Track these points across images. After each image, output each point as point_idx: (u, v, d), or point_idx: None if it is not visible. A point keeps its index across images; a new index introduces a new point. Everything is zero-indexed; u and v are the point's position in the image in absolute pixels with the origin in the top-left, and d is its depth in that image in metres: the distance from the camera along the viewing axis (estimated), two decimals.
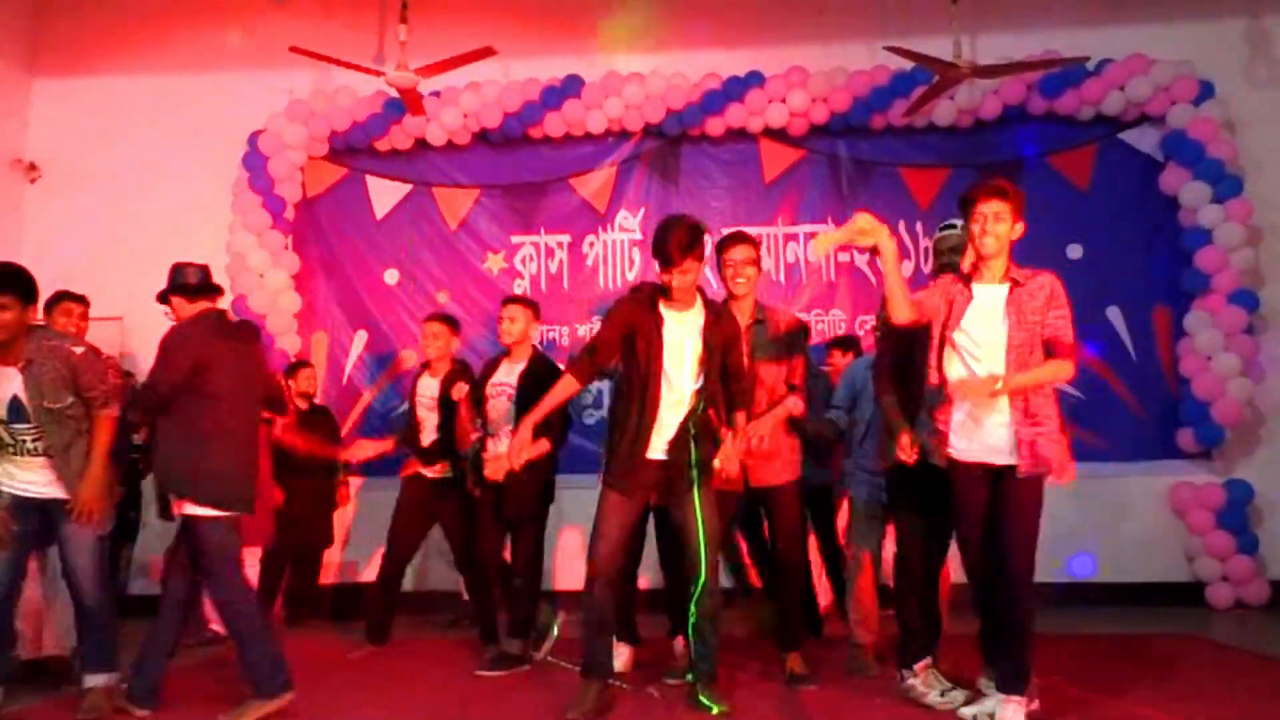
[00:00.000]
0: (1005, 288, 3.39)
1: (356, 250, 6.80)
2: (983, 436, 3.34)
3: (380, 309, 6.73)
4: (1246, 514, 6.01)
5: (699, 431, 3.60)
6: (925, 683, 3.62)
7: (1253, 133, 6.36)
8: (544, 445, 4.25)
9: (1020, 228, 3.40)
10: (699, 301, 3.65)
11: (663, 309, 3.60)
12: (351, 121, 6.62)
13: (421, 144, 6.72)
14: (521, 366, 4.52)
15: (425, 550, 5.59)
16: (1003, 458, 3.31)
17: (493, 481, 4.34)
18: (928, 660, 3.70)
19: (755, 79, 6.45)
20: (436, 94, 6.45)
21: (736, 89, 6.45)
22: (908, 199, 6.60)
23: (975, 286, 3.43)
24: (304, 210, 6.79)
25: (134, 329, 6.30)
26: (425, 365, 4.97)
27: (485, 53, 5.62)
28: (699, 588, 3.57)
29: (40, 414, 3.57)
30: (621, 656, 4.24)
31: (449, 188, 6.81)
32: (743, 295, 4.03)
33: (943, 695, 3.55)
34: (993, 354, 3.33)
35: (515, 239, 6.76)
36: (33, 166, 6.95)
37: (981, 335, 3.36)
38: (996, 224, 3.35)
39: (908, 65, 6.05)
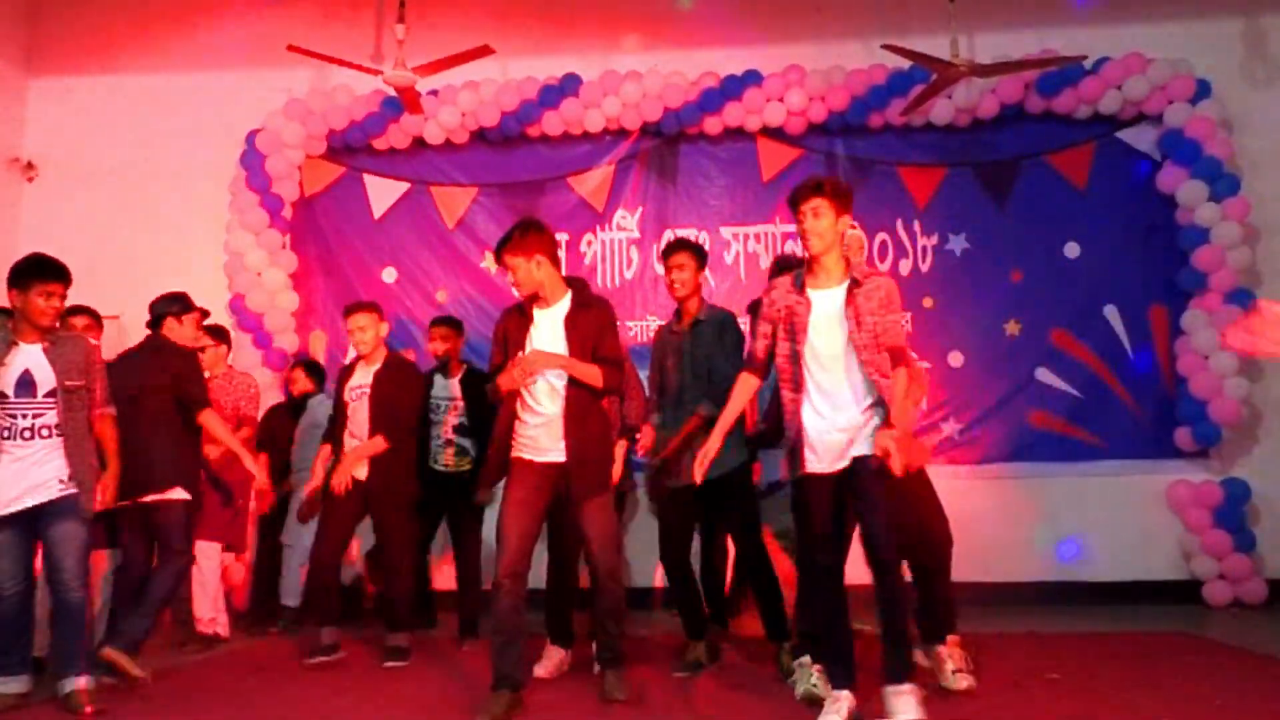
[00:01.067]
0: (844, 289, 3.31)
1: (354, 249, 6.79)
2: (830, 445, 3.27)
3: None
4: (1244, 512, 6.01)
5: (588, 427, 3.61)
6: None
7: (1249, 132, 6.37)
8: (379, 444, 4.52)
9: (847, 220, 3.33)
10: (567, 297, 3.71)
11: (535, 310, 3.71)
12: (349, 120, 6.62)
13: (419, 143, 6.72)
14: (376, 368, 4.67)
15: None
16: (846, 460, 3.25)
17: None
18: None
19: (753, 78, 6.45)
20: (434, 93, 6.46)
21: (734, 88, 6.45)
22: (905, 197, 6.60)
23: (812, 293, 3.34)
24: (302, 209, 6.79)
25: (132, 328, 6.28)
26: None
27: (483, 51, 5.62)
28: (597, 584, 3.67)
29: (60, 391, 3.71)
30: (552, 659, 4.28)
31: (447, 187, 6.81)
32: (682, 297, 4.14)
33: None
34: (835, 362, 3.27)
35: None
36: (30, 165, 6.95)
37: (823, 344, 3.28)
38: (816, 220, 3.27)
39: (905, 64, 6.06)
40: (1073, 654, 4.39)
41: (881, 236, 6.58)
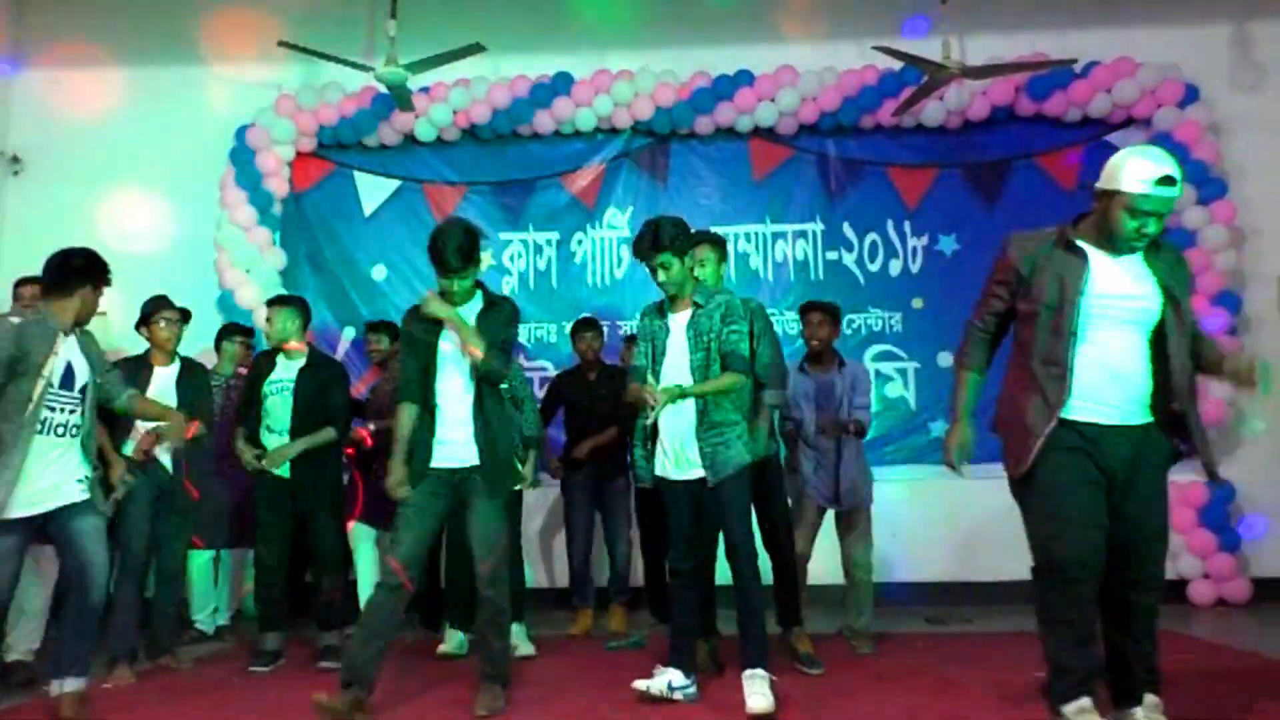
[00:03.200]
0: (689, 313, 3.72)
1: (344, 246, 6.77)
2: (676, 454, 3.67)
3: (368, 305, 6.71)
4: (1228, 512, 6.07)
5: (494, 429, 3.60)
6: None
7: (1237, 136, 6.42)
8: (329, 434, 4.57)
9: (690, 258, 3.74)
10: (478, 295, 3.70)
11: (669, 314, 3.81)
12: (340, 117, 6.59)
13: (410, 140, 6.71)
14: (300, 364, 4.63)
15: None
16: (698, 471, 3.64)
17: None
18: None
19: (745, 77, 6.46)
20: (426, 90, 6.44)
21: (726, 87, 6.46)
22: (895, 199, 6.63)
23: (671, 317, 3.78)
24: (292, 205, 6.76)
25: (119, 325, 6.25)
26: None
27: (474, 49, 5.61)
28: (478, 595, 3.63)
29: (90, 386, 3.66)
30: (454, 640, 4.59)
31: (438, 184, 6.79)
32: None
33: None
34: (679, 378, 3.65)
35: (504, 236, 6.75)
36: (15, 159, 6.89)
37: (673, 362, 3.70)
38: (668, 273, 3.66)
39: (897, 65, 6.08)
40: None
41: (872, 237, 6.61)
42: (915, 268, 6.58)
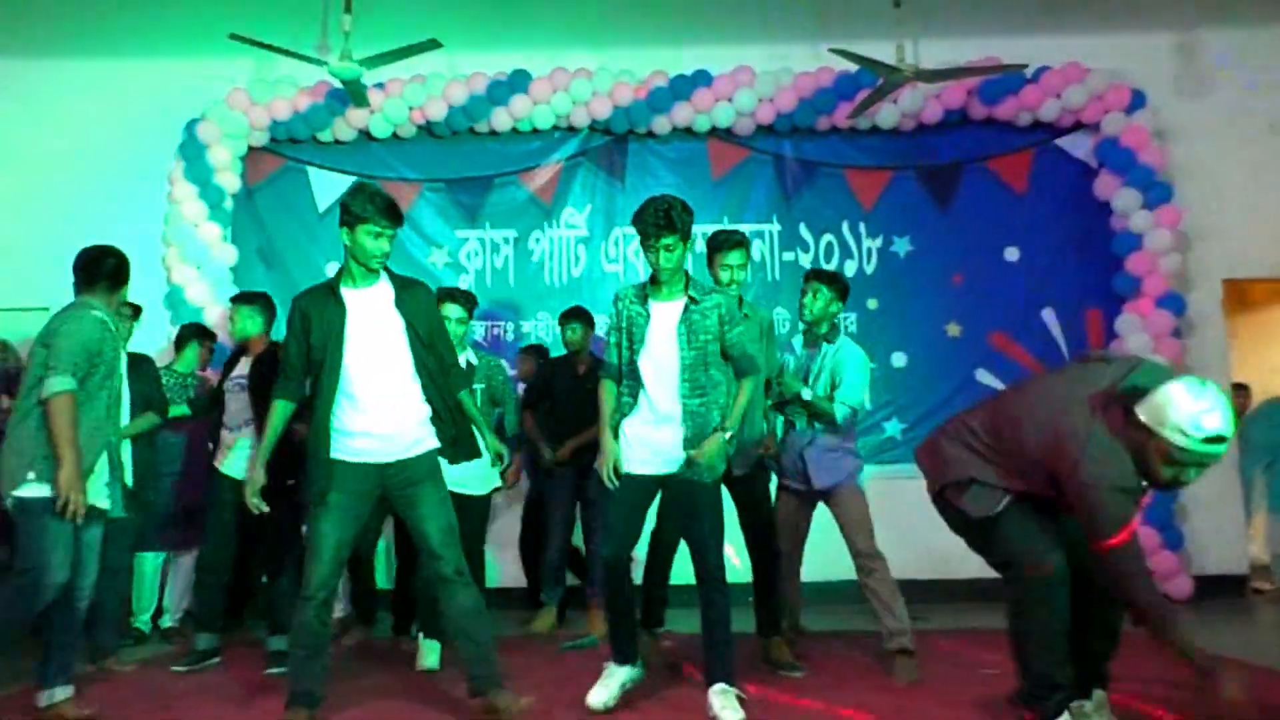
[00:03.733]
0: (681, 304, 3.53)
1: (298, 242, 6.68)
2: (655, 449, 3.51)
3: None
4: (1172, 511, 6.20)
5: (444, 419, 3.47)
6: None
7: (1182, 142, 6.57)
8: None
9: (691, 244, 3.60)
10: (379, 276, 3.54)
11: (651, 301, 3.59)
12: (293, 111, 6.50)
13: (366, 136, 6.63)
14: (253, 360, 4.59)
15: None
16: (672, 468, 3.51)
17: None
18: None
19: (703, 78, 6.48)
20: (381, 86, 6.37)
21: (684, 87, 6.47)
22: (851, 200, 6.69)
23: (653, 304, 3.56)
24: (243, 201, 6.66)
25: None
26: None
27: (431, 45, 5.56)
28: (446, 588, 3.42)
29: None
30: (433, 654, 4.36)
31: (394, 181, 6.72)
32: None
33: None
34: (667, 374, 3.49)
35: (460, 234, 6.71)
36: None
37: (659, 355, 3.51)
38: (670, 255, 3.48)
39: (852, 68, 6.13)
40: (1005, 649, 4.47)
41: (828, 238, 6.66)
42: (870, 269, 6.65)
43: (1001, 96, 6.44)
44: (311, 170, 6.72)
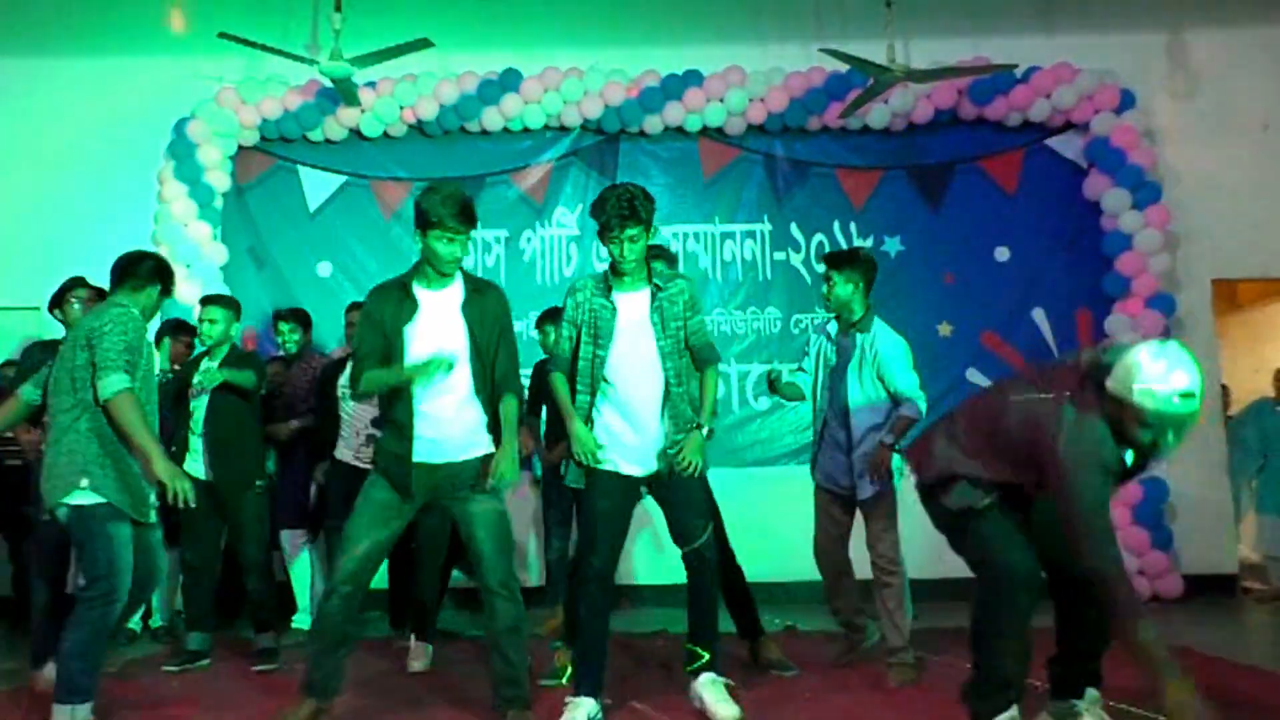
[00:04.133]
0: (648, 292, 3.42)
1: (288, 242, 6.66)
2: (636, 447, 3.41)
3: (313, 302, 6.60)
4: (1162, 510, 6.22)
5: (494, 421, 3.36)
6: None
7: (1171, 141, 6.59)
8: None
9: (654, 234, 3.47)
10: (456, 277, 3.43)
11: (616, 292, 3.46)
12: (284, 110, 6.48)
13: (356, 135, 6.62)
14: (218, 363, 4.58)
15: None
16: (653, 465, 3.43)
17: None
18: None
19: (694, 78, 6.48)
20: (372, 85, 6.36)
21: (675, 87, 6.47)
22: (842, 199, 6.70)
23: (617, 295, 3.44)
24: (234, 200, 6.63)
25: (50, 319, 6.08)
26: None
27: (422, 44, 5.55)
28: (491, 601, 3.31)
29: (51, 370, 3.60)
30: (422, 656, 4.32)
31: (385, 180, 6.71)
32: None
33: None
34: (643, 367, 3.38)
35: None
36: None
37: (632, 348, 3.39)
38: (633, 246, 3.37)
39: (843, 67, 6.13)
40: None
41: (819, 237, 6.66)
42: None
43: (992, 97, 6.45)
44: (302, 169, 6.70)
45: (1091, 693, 3.16)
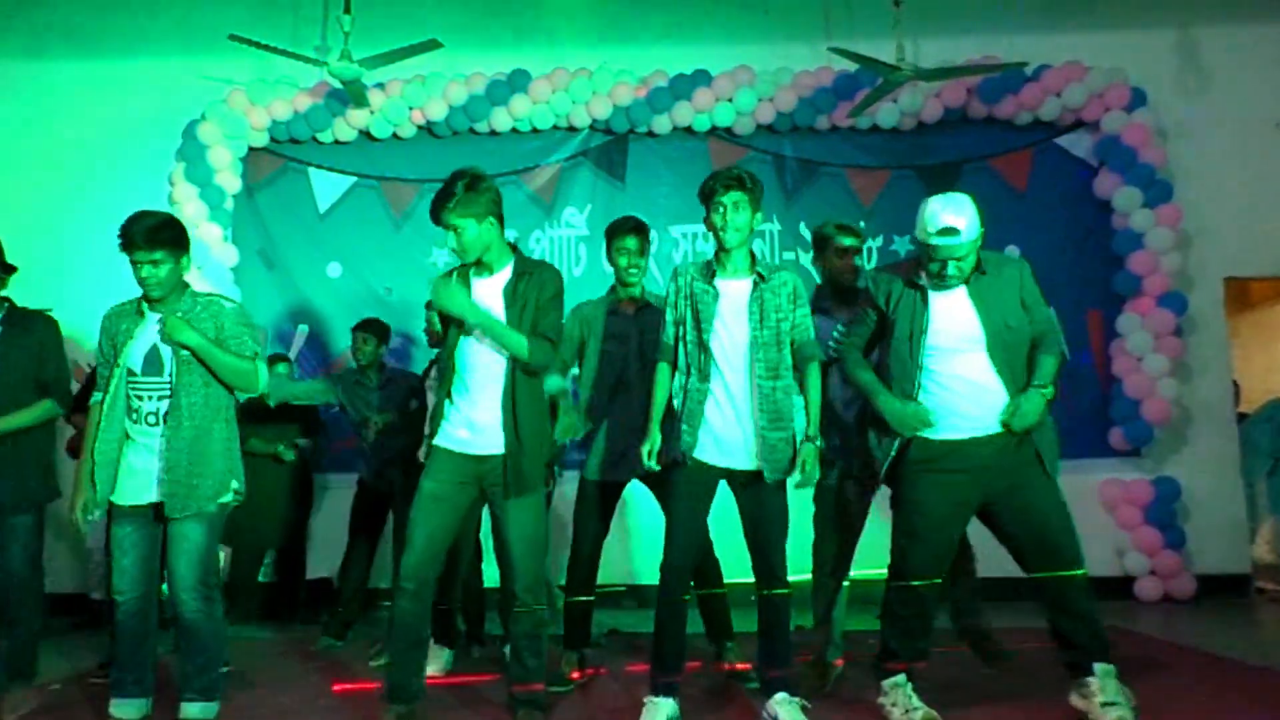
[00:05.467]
0: (750, 282, 3.37)
1: (298, 243, 6.69)
2: (728, 438, 3.30)
3: (323, 303, 6.63)
4: (1174, 510, 6.19)
5: (529, 414, 3.31)
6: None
7: (1182, 140, 6.55)
8: None
9: (760, 218, 3.41)
10: (510, 264, 3.38)
11: (474, 279, 3.39)
12: (293, 112, 6.51)
13: (366, 136, 6.64)
14: None
15: None
16: (743, 462, 3.31)
17: None
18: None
19: (703, 78, 6.48)
20: (381, 86, 6.38)
21: (684, 87, 6.47)
22: (851, 199, 6.68)
23: (720, 281, 3.38)
24: (244, 202, 6.66)
25: (63, 321, 6.11)
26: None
27: (431, 45, 5.57)
28: (515, 601, 3.32)
29: (179, 367, 3.29)
30: (439, 659, 4.25)
31: (394, 181, 6.73)
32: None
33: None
34: (737, 356, 3.31)
35: None
36: None
37: (729, 335, 3.33)
38: (736, 214, 3.32)
39: (852, 67, 6.12)
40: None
41: None
42: (870, 268, 6.63)
43: (1001, 95, 6.43)
44: (312, 171, 6.73)
45: (1100, 666, 3.24)
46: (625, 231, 4.10)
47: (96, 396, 3.33)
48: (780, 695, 3.27)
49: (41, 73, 6.73)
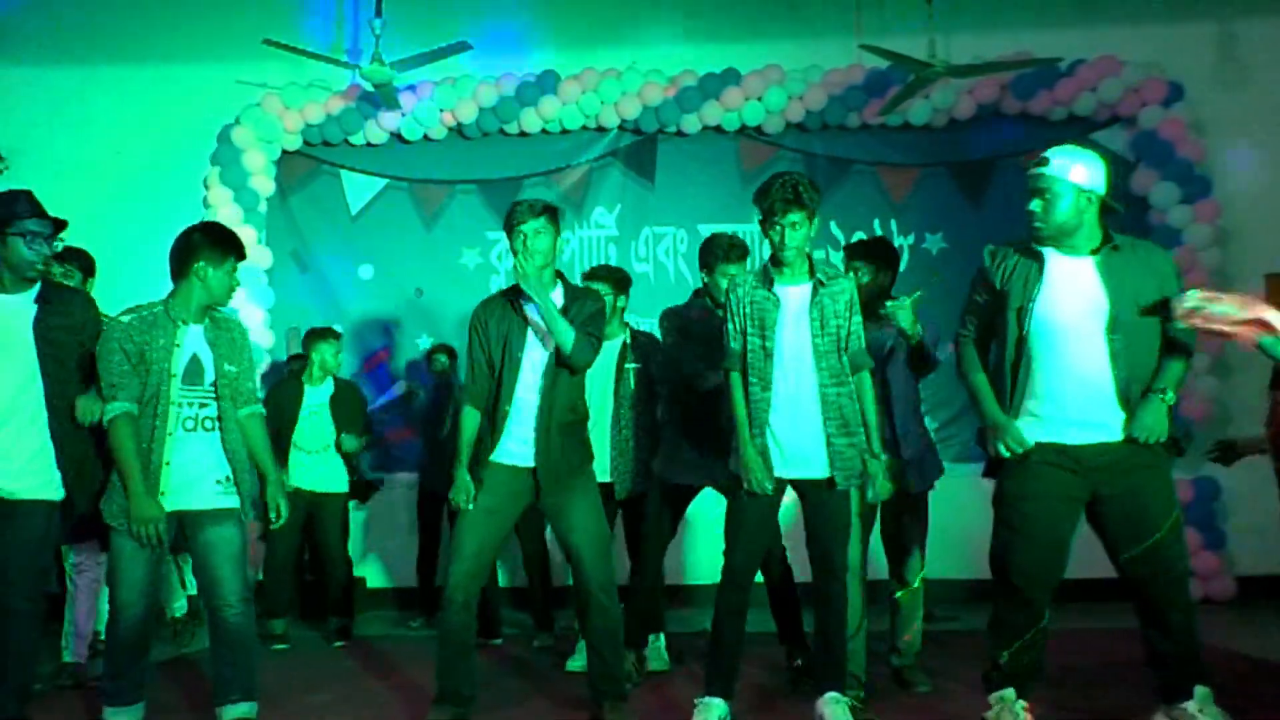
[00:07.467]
0: (810, 286, 3.29)
1: (331, 245, 6.75)
2: (794, 447, 3.26)
3: (355, 304, 6.69)
4: (1214, 510, 6.10)
5: (573, 419, 3.43)
6: None
7: (1221, 135, 6.45)
8: None
9: (816, 223, 3.33)
10: (557, 285, 3.51)
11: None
12: (326, 115, 6.57)
13: (397, 138, 6.69)
14: None
15: None
16: (811, 471, 3.27)
17: None
18: None
19: (732, 77, 6.46)
20: (412, 88, 6.42)
21: (713, 86, 6.46)
22: (883, 197, 6.65)
23: (779, 288, 3.30)
24: (277, 204, 6.73)
25: None
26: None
27: (461, 47, 5.60)
28: (590, 603, 3.39)
29: (222, 376, 3.30)
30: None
31: (425, 183, 6.77)
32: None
33: None
34: (800, 363, 3.24)
35: (491, 234, 6.73)
36: None
37: (791, 342, 3.25)
38: (794, 233, 3.24)
39: (883, 64, 6.08)
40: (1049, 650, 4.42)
41: (859, 235, 6.60)
42: (902, 266, 6.54)
43: (1035, 91, 6.36)
44: (344, 173, 6.79)
45: (1201, 690, 3.07)
46: (735, 259, 4.16)
47: (122, 406, 3.19)
48: (830, 695, 3.27)
49: (77, 79, 6.82)
